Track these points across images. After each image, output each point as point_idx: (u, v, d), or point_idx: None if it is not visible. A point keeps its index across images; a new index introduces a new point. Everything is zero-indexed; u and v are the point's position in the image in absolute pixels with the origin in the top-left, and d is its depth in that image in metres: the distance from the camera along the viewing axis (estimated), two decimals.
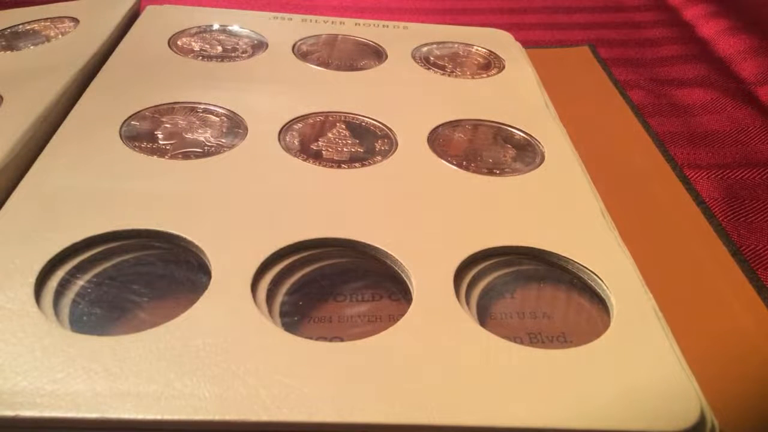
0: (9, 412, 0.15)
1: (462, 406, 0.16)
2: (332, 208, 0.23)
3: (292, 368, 0.17)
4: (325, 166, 0.25)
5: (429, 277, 0.20)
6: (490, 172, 0.26)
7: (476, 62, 0.35)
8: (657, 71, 0.39)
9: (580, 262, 0.21)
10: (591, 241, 0.22)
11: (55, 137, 0.25)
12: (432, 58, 0.34)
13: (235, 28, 0.35)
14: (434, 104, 0.30)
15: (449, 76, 0.33)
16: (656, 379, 0.17)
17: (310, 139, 0.27)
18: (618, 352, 0.18)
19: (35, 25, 0.34)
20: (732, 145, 0.32)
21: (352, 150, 0.26)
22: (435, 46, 0.36)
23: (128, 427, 0.15)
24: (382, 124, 0.28)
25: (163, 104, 0.28)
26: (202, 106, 0.28)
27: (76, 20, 0.34)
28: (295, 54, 0.33)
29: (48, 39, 0.33)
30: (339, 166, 0.25)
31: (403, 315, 0.19)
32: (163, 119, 0.27)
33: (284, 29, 0.36)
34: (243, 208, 0.22)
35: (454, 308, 0.19)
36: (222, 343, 0.17)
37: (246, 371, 0.17)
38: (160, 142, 0.25)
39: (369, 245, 0.21)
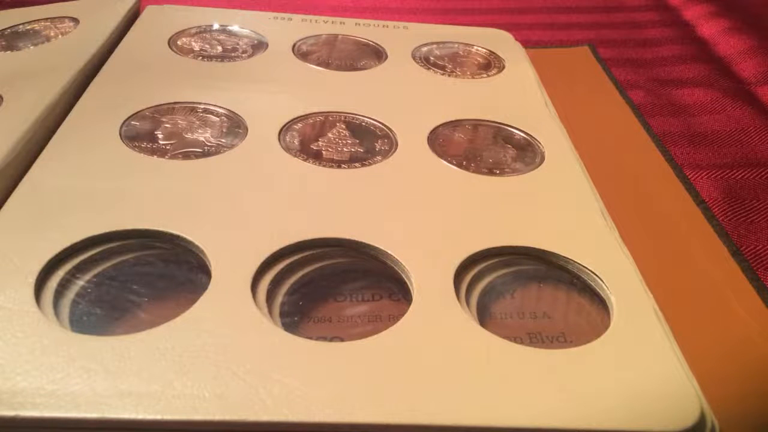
0: (9, 412, 0.15)
1: (462, 406, 0.16)
2: (332, 208, 0.23)
3: (292, 368, 0.17)
4: (325, 166, 0.25)
5: (429, 277, 0.20)
6: (490, 172, 0.26)
7: (476, 62, 0.35)
8: (657, 71, 0.39)
9: (580, 262, 0.21)
10: (591, 241, 0.22)
11: (55, 137, 0.25)
12: (432, 58, 0.34)
13: (235, 28, 0.35)
14: (434, 104, 0.30)
15: (449, 76, 0.33)
16: (656, 379, 0.17)
17: (310, 139, 0.27)
18: (618, 352, 0.18)
19: (35, 25, 0.34)
20: (732, 145, 0.32)
21: (352, 150, 0.26)
22: (435, 46, 0.36)
23: (128, 427, 0.15)
24: (382, 124, 0.28)
25: (163, 104, 0.28)
26: (202, 106, 0.28)
27: (76, 20, 0.34)
28: (295, 54, 0.33)
29: (48, 39, 0.33)
30: (339, 166, 0.25)
31: (403, 315, 0.19)
32: (163, 119, 0.27)
33: (284, 29, 0.36)
34: (243, 208, 0.22)
35: (454, 308, 0.19)
36: (222, 343, 0.17)
37: (246, 371, 0.17)
38: (160, 142, 0.25)
39: (369, 245, 0.21)
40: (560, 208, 0.24)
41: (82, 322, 0.19)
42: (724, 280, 0.23)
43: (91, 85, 0.28)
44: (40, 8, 0.36)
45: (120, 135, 0.25)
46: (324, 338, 0.19)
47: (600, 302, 0.21)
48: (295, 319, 0.20)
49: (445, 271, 0.20)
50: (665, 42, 0.42)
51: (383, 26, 0.37)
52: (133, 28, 0.34)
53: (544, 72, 0.34)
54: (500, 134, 0.28)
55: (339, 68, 0.32)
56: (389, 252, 0.21)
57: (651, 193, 0.27)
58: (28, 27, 0.34)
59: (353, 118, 0.28)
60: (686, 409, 0.16)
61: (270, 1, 0.45)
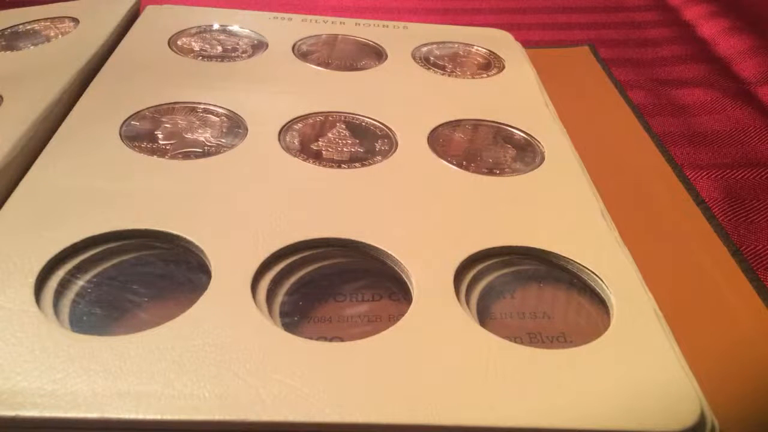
0: (9, 412, 0.15)
1: (462, 406, 0.16)
2: (332, 208, 0.23)
3: (292, 368, 0.17)
4: (325, 166, 0.25)
5: (429, 277, 0.20)
6: (490, 172, 0.26)
7: (476, 62, 0.35)
8: (657, 71, 0.39)
9: (580, 262, 0.21)
10: (591, 241, 0.22)
11: (55, 137, 0.25)
12: (432, 58, 0.34)
13: (235, 28, 0.35)
14: (434, 104, 0.30)
15: (449, 76, 0.33)
16: (656, 379, 0.17)
17: (310, 139, 0.27)
18: (618, 352, 0.18)
19: (35, 25, 0.34)
20: (732, 145, 0.32)
21: (352, 150, 0.26)
22: (435, 46, 0.36)
23: (128, 427, 0.15)
24: (382, 124, 0.28)
25: (163, 104, 0.28)
26: (202, 106, 0.28)
27: (76, 20, 0.34)
28: (295, 54, 0.33)
29: (48, 39, 0.33)
30: (339, 166, 0.25)
31: (403, 315, 0.19)
32: (163, 119, 0.27)
33: (284, 29, 0.36)
34: (243, 208, 0.22)
35: (454, 308, 0.19)
36: (222, 343, 0.17)
37: (246, 371, 0.17)
38: (160, 142, 0.25)
39: (369, 245, 0.21)
40: (560, 208, 0.24)
41: (82, 322, 0.19)
42: (724, 280, 0.23)
43: (91, 85, 0.28)
44: (40, 8, 0.36)
45: (120, 135, 0.25)
46: (324, 338, 0.19)
47: (600, 302, 0.21)
48: (295, 319, 0.20)
49: (445, 271, 0.20)
50: (665, 42, 0.42)
51: (383, 26, 0.37)
52: (133, 28, 0.34)
53: (544, 72, 0.34)
54: (500, 134, 0.28)
55: (339, 68, 0.32)
56: (389, 252, 0.21)
57: (651, 193, 0.27)
58: (28, 27, 0.34)
59: (353, 118, 0.28)
60: (686, 409, 0.16)
61: (270, 1, 0.45)
